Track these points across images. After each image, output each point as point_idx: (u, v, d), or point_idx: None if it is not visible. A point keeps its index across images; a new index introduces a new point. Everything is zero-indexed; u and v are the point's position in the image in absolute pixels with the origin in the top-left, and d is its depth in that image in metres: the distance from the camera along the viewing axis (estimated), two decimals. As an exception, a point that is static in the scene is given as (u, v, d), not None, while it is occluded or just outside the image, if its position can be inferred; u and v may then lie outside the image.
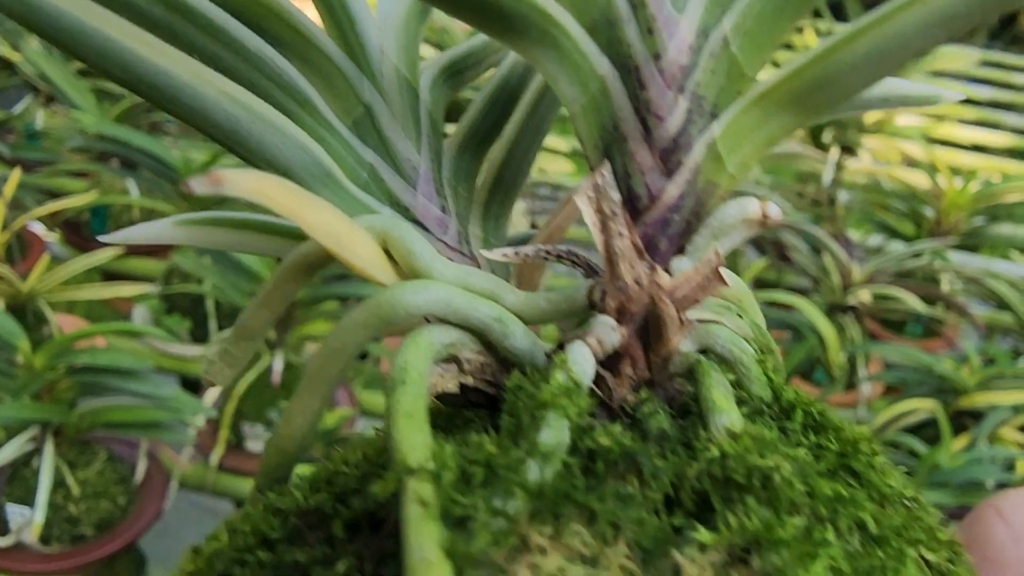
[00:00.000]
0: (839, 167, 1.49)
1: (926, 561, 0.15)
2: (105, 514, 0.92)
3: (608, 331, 0.15)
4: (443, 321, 0.16)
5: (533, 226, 0.21)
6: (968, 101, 1.64)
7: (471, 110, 0.19)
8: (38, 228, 1.34)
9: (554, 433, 0.14)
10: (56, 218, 1.33)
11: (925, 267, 1.32)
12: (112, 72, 0.14)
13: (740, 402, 0.16)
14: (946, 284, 1.35)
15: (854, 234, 1.53)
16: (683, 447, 0.15)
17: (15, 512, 0.88)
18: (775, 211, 0.16)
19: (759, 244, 1.41)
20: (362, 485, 0.15)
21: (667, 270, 0.16)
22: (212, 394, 1.00)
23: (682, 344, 0.16)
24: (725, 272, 0.15)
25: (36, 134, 1.47)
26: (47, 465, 0.87)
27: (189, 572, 0.16)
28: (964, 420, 1.12)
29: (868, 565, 0.14)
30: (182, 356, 1.19)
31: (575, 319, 0.17)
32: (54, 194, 1.36)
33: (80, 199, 1.14)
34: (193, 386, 1.13)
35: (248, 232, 0.17)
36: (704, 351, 0.17)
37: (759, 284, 1.36)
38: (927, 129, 1.63)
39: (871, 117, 1.50)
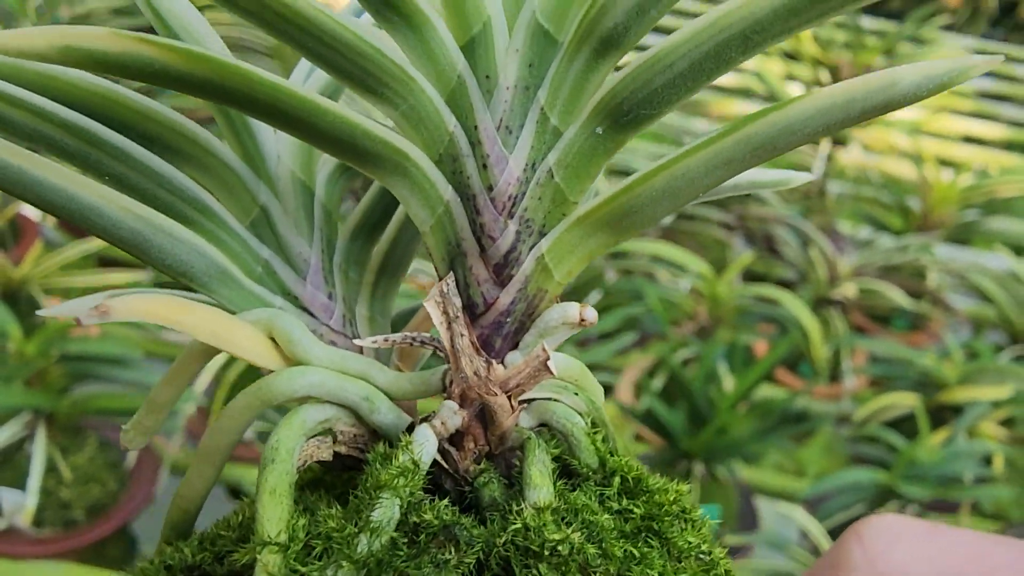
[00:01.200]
0: (830, 159, 1.50)
1: None
2: (96, 499, 0.94)
3: (451, 415, 0.18)
4: (320, 400, 0.18)
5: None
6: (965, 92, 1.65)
7: (363, 201, 0.21)
8: (31, 212, 1.35)
9: (385, 511, 0.16)
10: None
11: (912, 261, 1.33)
12: (27, 198, 0.17)
13: (568, 471, 0.19)
14: (933, 279, 1.36)
15: (844, 226, 1.54)
16: (501, 517, 0.18)
17: (8, 496, 0.90)
18: (591, 315, 0.18)
19: (749, 237, 1.43)
20: (235, 547, 0.18)
21: (502, 363, 0.19)
22: (203, 381, 1.01)
23: (522, 419, 0.19)
24: (553, 363, 0.18)
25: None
26: (39, 450, 0.89)
27: None
28: (945, 414, 1.13)
29: None
30: (175, 343, 1.21)
31: (435, 395, 0.19)
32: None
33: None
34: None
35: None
36: (543, 424, 0.19)
37: (748, 276, 1.37)
38: (921, 122, 1.64)
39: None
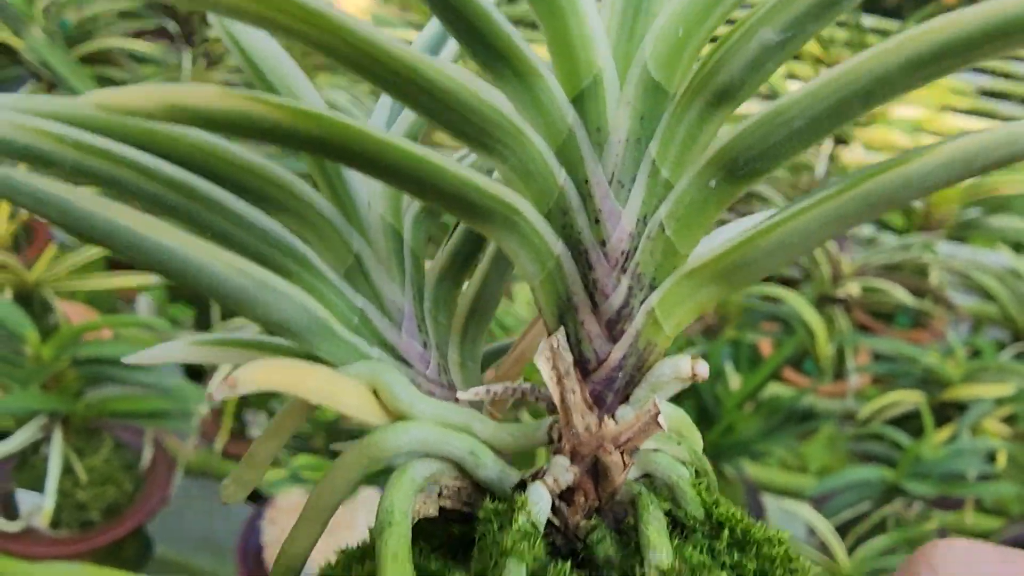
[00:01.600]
0: (832, 158, 1.51)
1: None
2: (112, 500, 0.94)
3: (563, 471, 0.18)
4: (425, 456, 0.19)
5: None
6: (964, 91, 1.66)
7: (450, 244, 0.21)
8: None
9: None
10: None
11: (914, 260, 1.34)
12: (137, 259, 0.17)
13: (675, 521, 0.19)
14: (935, 276, 1.37)
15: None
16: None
17: (25, 498, 0.91)
18: (703, 370, 0.19)
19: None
20: None
21: (613, 417, 0.19)
22: (216, 382, 1.02)
23: (629, 471, 0.19)
24: (663, 417, 0.18)
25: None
26: (56, 453, 0.89)
27: None
28: (949, 412, 1.14)
29: None
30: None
31: (539, 446, 0.20)
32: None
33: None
34: (197, 374, 1.15)
35: (251, 350, 0.20)
36: (647, 475, 0.20)
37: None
38: (922, 121, 1.64)
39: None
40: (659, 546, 0.18)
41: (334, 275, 0.20)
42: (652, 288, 0.19)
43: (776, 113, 0.16)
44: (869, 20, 2.22)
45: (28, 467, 0.92)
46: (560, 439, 0.19)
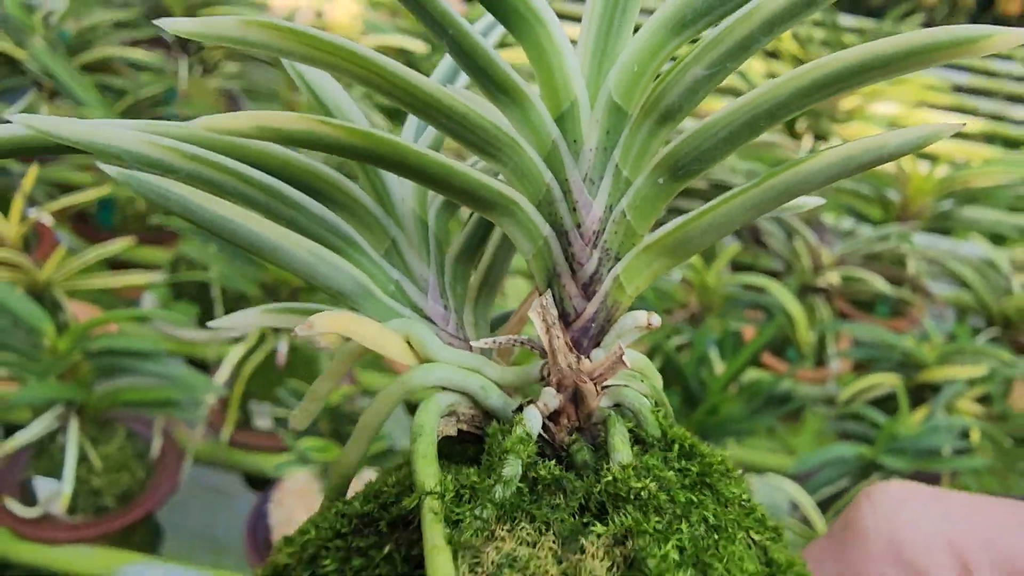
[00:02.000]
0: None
1: (753, 540, 0.24)
2: (125, 486, 0.98)
3: (551, 397, 0.24)
4: (446, 389, 0.24)
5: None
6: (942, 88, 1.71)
7: (463, 231, 0.27)
8: (46, 219, 1.40)
9: (512, 469, 0.22)
10: (67, 210, 1.39)
11: (892, 250, 1.39)
12: (232, 241, 0.23)
13: (638, 439, 0.25)
14: (912, 266, 1.42)
15: (828, 218, 1.61)
16: (594, 473, 0.23)
17: (43, 485, 0.95)
18: (656, 320, 0.24)
19: (737, 230, 1.49)
20: (397, 499, 0.23)
21: (589, 358, 0.25)
22: (223, 374, 1.07)
23: (602, 401, 0.25)
24: (626, 357, 0.23)
25: (40, 127, 1.51)
26: (72, 440, 0.93)
27: (288, 553, 0.24)
28: (924, 393, 1.20)
29: (707, 543, 0.22)
30: (191, 340, 1.26)
31: (533, 384, 0.25)
32: (61, 186, 1.42)
33: (93, 192, 1.20)
34: (200, 368, 1.20)
35: (307, 315, 0.25)
36: (617, 405, 0.25)
37: (736, 267, 1.44)
38: (898, 117, 1.70)
39: (845, 105, 1.57)
40: (622, 450, 0.23)
41: (375, 254, 0.26)
42: (617, 260, 0.24)
43: (705, 128, 0.22)
44: (847, 20, 2.27)
45: (45, 456, 0.96)
46: (548, 375, 0.24)
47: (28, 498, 0.96)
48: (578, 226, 0.24)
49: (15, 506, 0.95)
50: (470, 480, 0.22)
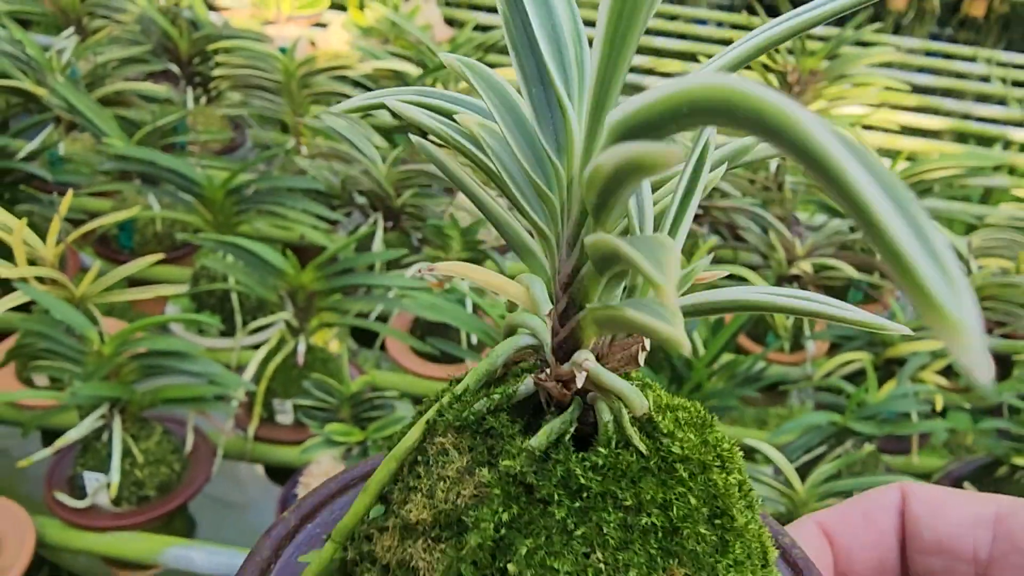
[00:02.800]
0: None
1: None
2: (164, 478, 1.08)
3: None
4: (530, 334, 0.28)
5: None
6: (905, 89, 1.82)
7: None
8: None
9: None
10: (90, 234, 1.49)
11: (861, 240, 1.50)
12: (464, 189, 0.27)
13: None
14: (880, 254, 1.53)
15: (802, 214, 1.72)
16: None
17: (90, 479, 1.04)
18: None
19: (715, 226, 1.59)
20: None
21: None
22: (249, 372, 1.16)
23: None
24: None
25: (59, 160, 1.61)
26: (117, 436, 1.03)
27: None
28: (893, 368, 1.30)
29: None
30: (213, 348, 1.35)
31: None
32: (84, 211, 1.51)
33: (118, 215, 1.29)
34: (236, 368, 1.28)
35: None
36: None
37: (716, 261, 1.54)
38: (864, 117, 1.81)
39: (813, 108, 1.68)
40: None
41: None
42: (581, 308, 0.26)
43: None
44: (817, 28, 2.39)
45: (90, 452, 1.05)
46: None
47: (77, 491, 1.05)
48: (557, 273, 0.27)
49: (65, 499, 1.04)
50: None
